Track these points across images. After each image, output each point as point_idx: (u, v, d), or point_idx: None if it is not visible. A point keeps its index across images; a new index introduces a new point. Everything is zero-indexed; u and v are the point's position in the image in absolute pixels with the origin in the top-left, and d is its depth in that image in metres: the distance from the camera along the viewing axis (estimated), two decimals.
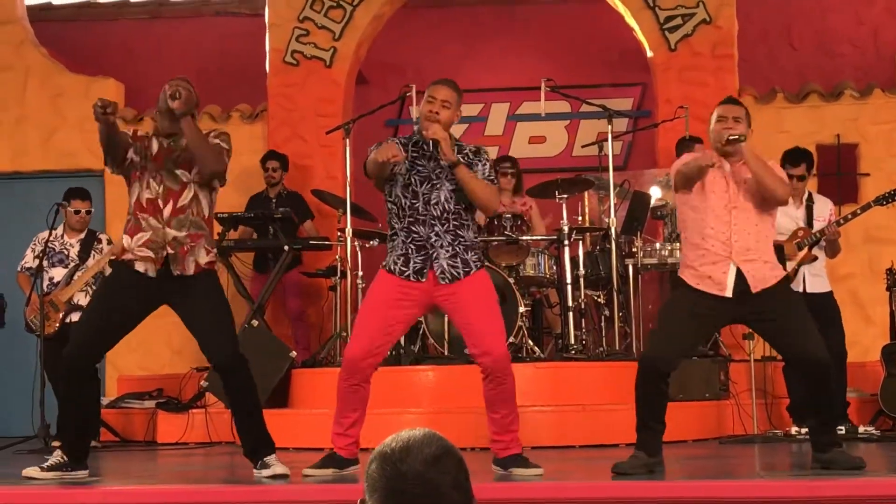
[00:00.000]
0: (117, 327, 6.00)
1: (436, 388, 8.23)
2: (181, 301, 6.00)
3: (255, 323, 9.00)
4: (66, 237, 9.02)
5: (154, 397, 9.75)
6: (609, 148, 8.94)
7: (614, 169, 8.93)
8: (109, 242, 9.07)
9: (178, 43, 12.09)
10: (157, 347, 10.66)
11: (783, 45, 11.86)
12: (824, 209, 8.61)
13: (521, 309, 8.51)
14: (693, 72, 10.36)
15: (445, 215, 5.87)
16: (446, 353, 8.55)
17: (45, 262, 8.78)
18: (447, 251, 5.84)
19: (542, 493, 5.32)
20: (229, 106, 11.16)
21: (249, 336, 8.61)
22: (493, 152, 10.64)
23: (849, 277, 10.20)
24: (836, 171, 10.43)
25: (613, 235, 8.79)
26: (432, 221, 5.86)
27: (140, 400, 9.71)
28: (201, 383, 8.97)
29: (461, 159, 5.88)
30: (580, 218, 9.61)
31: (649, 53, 10.68)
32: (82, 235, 9.04)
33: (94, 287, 8.87)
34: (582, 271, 8.91)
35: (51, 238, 8.82)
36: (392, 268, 5.89)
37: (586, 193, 9.67)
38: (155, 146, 6.05)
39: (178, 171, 5.99)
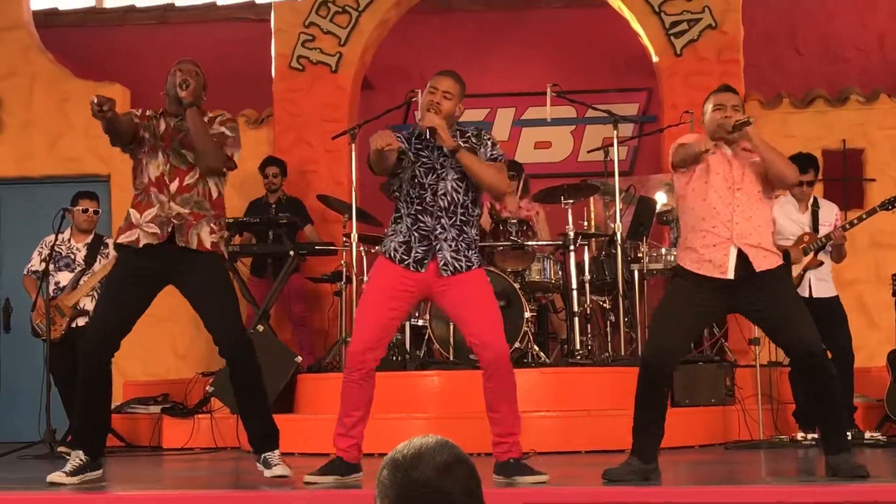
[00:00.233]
0: (129, 313, 6.00)
1: (441, 393, 8.22)
2: (186, 280, 6.01)
3: (259, 328, 9.00)
4: (72, 241, 9.02)
5: (159, 402, 9.75)
6: (615, 153, 8.94)
7: (620, 174, 8.93)
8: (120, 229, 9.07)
9: (183, 48, 12.03)
10: (163, 353, 10.67)
11: (789, 50, 11.87)
12: (830, 214, 8.61)
13: (527, 314, 8.50)
14: (699, 77, 10.36)
15: (453, 207, 5.80)
16: (451, 358, 8.55)
17: (51, 267, 8.79)
18: (451, 245, 5.79)
19: (548, 499, 5.31)
20: (235, 111, 11.15)
21: (255, 341, 8.59)
22: None
23: (855, 283, 10.20)
24: (842, 176, 10.43)
25: (619, 241, 8.78)
26: (439, 213, 5.80)
27: (145, 405, 9.71)
28: (207, 388, 8.97)
29: (462, 144, 5.82)
30: (586, 223, 9.62)
31: (655, 58, 10.69)
32: (89, 239, 9.04)
33: (99, 292, 8.87)
34: (587, 277, 8.90)
35: (57, 242, 8.83)
36: (392, 255, 5.82)
37: (592, 199, 9.67)
38: (163, 125, 6.11)
39: (185, 152, 6.04)
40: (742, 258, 5.70)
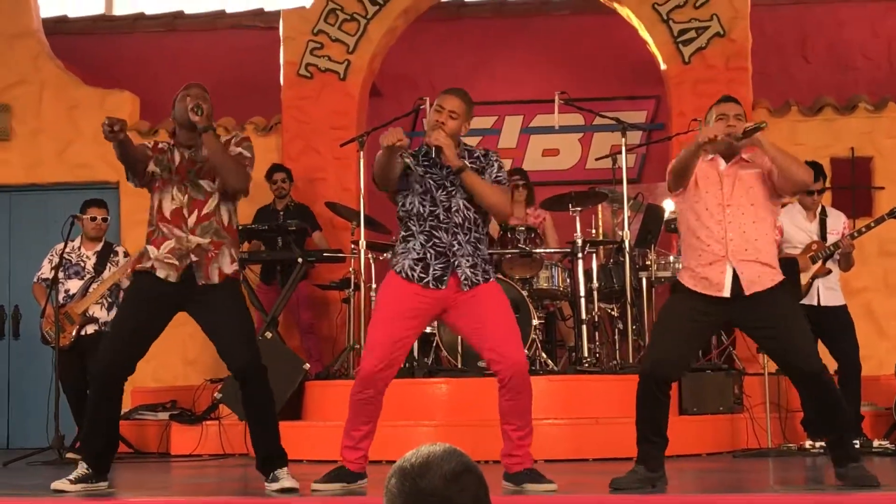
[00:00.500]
0: (144, 338, 6.00)
1: (449, 400, 8.22)
2: (201, 308, 5.99)
3: (268, 335, 9.00)
4: (82, 249, 9.04)
5: (168, 409, 9.76)
6: (623, 161, 8.93)
7: (628, 182, 8.93)
8: (126, 255, 9.08)
9: (192, 56, 12.14)
10: (171, 359, 10.68)
11: (797, 58, 11.86)
12: (837, 223, 8.61)
13: (535, 322, 8.50)
14: (707, 84, 10.35)
15: (467, 224, 5.79)
16: (459, 365, 8.55)
17: (60, 274, 8.80)
18: (468, 260, 5.77)
19: None
20: (243, 118, 11.19)
21: (263, 348, 8.52)
22: (506, 165, 10.63)
23: (863, 291, 10.19)
24: (850, 184, 10.42)
25: (627, 248, 8.78)
26: (455, 229, 5.77)
27: (154, 412, 9.72)
28: (215, 395, 8.98)
29: (468, 164, 5.80)
30: (594, 231, 9.62)
31: (663, 66, 10.69)
32: (99, 247, 9.05)
33: (109, 299, 8.89)
34: (595, 284, 8.91)
35: (67, 250, 8.84)
36: (409, 273, 5.76)
37: (600, 206, 9.68)
38: (177, 158, 6.05)
39: (202, 182, 6.00)
40: (738, 277, 5.68)
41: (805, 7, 11.96)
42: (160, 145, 6.14)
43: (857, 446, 7.90)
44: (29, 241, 10.96)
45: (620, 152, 9.00)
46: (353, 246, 9.30)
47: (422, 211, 5.80)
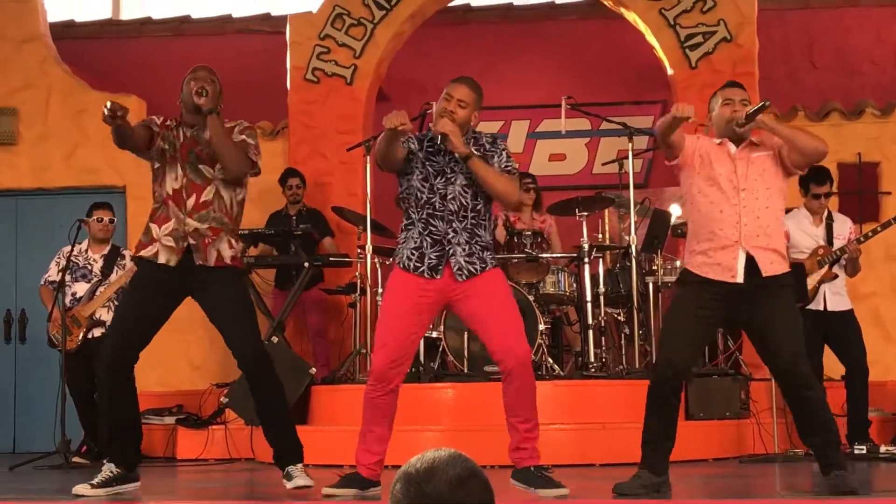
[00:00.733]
0: (148, 324, 5.99)
1: (455, 405, 8.22)
2: (204, 293, 5.98)
3: (274, 339, 9.01)
4: (89, 252, 9.05)
5: (174, 413, 9.77)
6: (629, 165, 8.93)
7: (635, 186, 8.92)
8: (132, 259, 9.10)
9: (199, 60, 11.96)
10: (177, 363, 10.69)
11: (804, 63, 11.86)
12: (844, 227, 8.60)
13: (541, 327, 8.50)
14: (714, 90, 10.22)
15: (463, 212, 5.73)
16: (466, 370, 8.54)
17: (67, 277, 8.81)
18: (464, 249, 5.71)
19: None
20: (250, 123, 11.16)
21: (269, 353, 8.60)
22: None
23: (870, 296, 10.18)
24: (857, 189, 10.41)
25: (634, 253, 8.77)
26: (450, 217, 5.73)
27: (160, 416, 9.73)
28: (221, 399, 8.98)
29: (475, 151, 5.75)
30: (600, 235, 9.61)
31: (670, 71, 10.68)
32: (106, 250, 9.06)
33: (115, 303, 8.90)
34: (602, 289, 8.90)
35: (74, 253, 8.85)
36: (406, 264, 5.74)
37: (606, 211, 9.67)
38: (181, 136, 6.06)
39: (202, 167, 5.99)
40: (751, 261, 5.63)
41: (812, 12, 11.95)
42: (168, 122, 6.14)
43: (864, 451, 7.95)
44: (35, 246, 10.97)
45: (627, 157, 9.00)
46: (359, 250, 9.31)
47: (420, 197, 5.77)
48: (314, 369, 9.03)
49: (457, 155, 5.72)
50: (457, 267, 5.70)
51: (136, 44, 12.56)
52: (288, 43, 11.08)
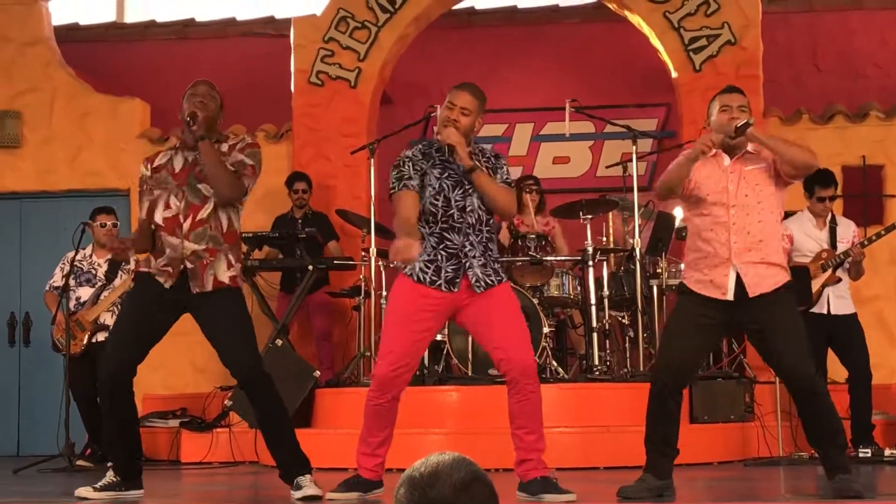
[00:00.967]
0: (146, 337, 5.96)
1: (459, 408, 8.21)
2: (201, 314, 5.94)
3: (278, 342, 9.01)
4: (94, 257, 9.05)
5: (178, 416, 9.76)
6: (633, 168, 8.93)
7: (639, 189, 8.92)
8: (137, 263, 9.08)
9: (204, 63, 12.14)
10: (181, 366, 10.69)
11: (808, 66, 11.85)
12: (847, 231, 8.59)
13: (545, 330, 8.50)
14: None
15: (479, 225, 5.70)
16: (470, 373, 8.54)
17: (72, 282, 8.82)
18: (480, 261, 5.68)
19: None
20: (254, 126, 11.20)
21: (273, 356, 8.62)
22: (516, 172, 10.64)
23: (874, 299, 10.17)
24: (861, 192, 10.40)
25: (638, 256, 8.77)
26: (467, 230, 5.68)
27: (164, 419, 9.73)
28: (225, 402, 8.98)
29: (481, 163, 5.73)
30: (604, 239, 9.60)
31: (674, 74, 10.68)
32: (110, 255, 9.06)
33: (120, 307, 8.90)
34: (606, 292, 8.89)
35: (78, 257, 8.86)
36: (421, 276, 5.66)
37: (610, 214, 9.66)
38: (178, 163, 5.98)
39: (201, 186, 5.92)
40: (741, 279, 5.63)
41: (816, 15, 11.94)
42: (158, 160, 6.07)
43: (869, 455, 7.93)
44: (39, 249, 10.98)
45: (631, 160, 8.99)
46: (363, 253, 9.31)
47: (434, 211, 5.70)
48: (318, 372, 9.02)
49: (460, 167, 5.69)
50: (475, 279, 5.67)
51: (141, 47, 12.57)
52: (292, 46, 11.09)
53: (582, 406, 8.20)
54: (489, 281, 5.68)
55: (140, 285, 6.05)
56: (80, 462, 8.53)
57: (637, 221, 8.84)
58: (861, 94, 11.42)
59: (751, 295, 5.60)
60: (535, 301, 8.58)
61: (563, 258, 9.26)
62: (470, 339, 8.50)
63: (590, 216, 9.02)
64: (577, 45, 12.19)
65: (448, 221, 5.70)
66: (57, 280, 9.01)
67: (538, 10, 12.49)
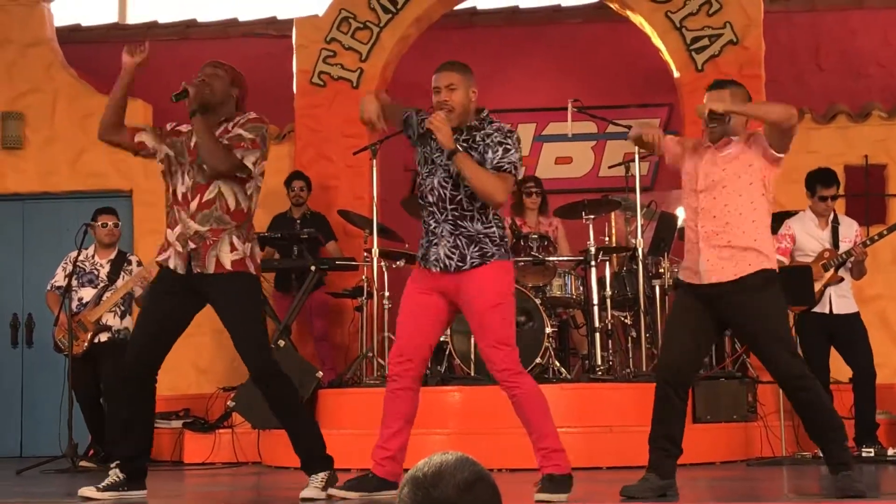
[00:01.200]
0: (169, 331, 5.96)
1: (462, 408, 8.21)
2: (215, 302, 5.93)
3: (281, 343, 9.01)
4: (96, 257, 9.05)
5: (181, 417, 9.77)
6: (636, 168, 8.93)
7: (641, 190, 8.92)
8: (139, 264, 9.09)
9: (197, 67, 12.13)
10: (184, 367, 10.69)
11: (811, 65, 11.84)
12: (850, 230, 8.59)
13: (548, 330, 8.50)
14: None
15: (442, 203, 5.61)
16: (472, 373, 8.54)
17: (74, 282, 8.82)
18: (448, 241, 5.59)
19: None
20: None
21: (276, 357, 8.61)
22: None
23: (877, 298, 10.16)
24: (864, 191, 10.39)
25: (640, 256, 8.77)
26: (432, 208, 5.65)
27: (167, 420, 9.72)
28: (228, 403, 8.98)
29: (477, 142, 5.61)
30: (607, 239, 9.60)
31: (676, 74, 10.68)
32: (112, 255, 9.06)
33: (122, 308, 8.91)
34: (609, 292, 8.89)
35: (81, 258, 8.86)
36: (419, 256, 5.74)
37: (613, 214, 9.67)
38: (193, 140, 6.00)
39: (205, 165, 5.93)
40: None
41: (818, 15, 11.93)
42: (180, 128, 6.12)
43: (872, 454, 7.93)
44: (42, 250, 10.98)
45: (633, 160, 9.00)
46: (365, 254, 9.31)
47: (420, 184, 5.77)
48: (321, 373, 9.03)
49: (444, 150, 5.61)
50: (434, 258, 5.62)
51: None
52: (294, 46, 11.10)
53: (585, 406, 8.20)
54: (448, 263, 5.57)
55: (158, 278, 6.06)
56: (83, 463, 8.53)
57: (639, 221, 8.84)
58: (863, 93, 11.41)
59: (704, 281, 5.63)
60: (538, 301, 8.58)
61: (565, 258, 9.26)
62: (472, 339, 8.50)
63: (592, 216, 9.02)
64: (579, 45, 12.19)
65: (423, 199, 5.72)
66: (59, 280, 9.00)
67: (540, 10, 12.49)
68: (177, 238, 5.92)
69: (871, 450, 8.04)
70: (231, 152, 5.87)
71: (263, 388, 5.93)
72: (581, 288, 9.02)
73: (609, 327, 8.90)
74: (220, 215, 5.90)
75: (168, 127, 6.17)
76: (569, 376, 8.78)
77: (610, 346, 8.94)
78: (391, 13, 10.92)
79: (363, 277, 9.42)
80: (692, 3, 10.55)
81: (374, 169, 9.21)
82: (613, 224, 9.70)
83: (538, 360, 8.38)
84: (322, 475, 5.85)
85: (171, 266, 5.92)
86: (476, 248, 5.58)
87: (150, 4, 13.08)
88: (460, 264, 5.57)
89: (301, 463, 5.97)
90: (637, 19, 10.84)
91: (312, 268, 9.45)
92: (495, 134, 5.63)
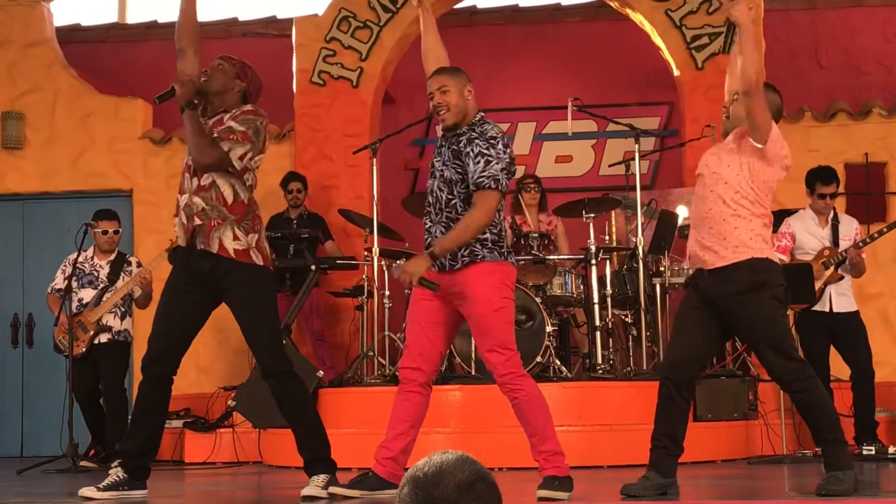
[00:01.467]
0: (186, 326, 5.95)
1: (463, 407, 8.20)
2: (228, 295, 5.88)
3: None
4: (95, 259, 9.04)
5: (181, 417, 9.77)
6: (636, 167, 8.92)
7: (641, 188, 8.92)
8: (139, 265, 9.08)
9: (205, 63, 12.05)
10: (185, 367, 10.52)
11: (811, 64, 11.84)
12: (850, 228, 8.59)
13: (549, 328, 8.49)
14: (720, 90, 10.16)
15: (438, 205, 5.65)
16: (473, 372, 8.53)
17: (74, 283, 8.81)
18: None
19: None
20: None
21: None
22: (519, 171, 10.63)
23: (878, 297, 10.16)
24: (864, 190, 10.39)
25: (640, 255, 8.77)
26: (429, 209, 5.70)
27: (167, 419, 9.71)
28: (229, 403, 8.98)
29: (466, 137, 5.61)
30: (607, 237, 9.60)
31: (676, 72, 10.67)
32: (112, 257, 9.06)
33: (122, 308, 8.91)
34: (609, 291, 8.89)
35: (80, 259, 8.86)
36: None
37: (613, 213, 9.66)
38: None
39: (192, 159, 5.91)
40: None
41: (818, 13, 11.94)
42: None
43: (872, 452, 7.92)
44: (42, 250, 10.99)
45: (633, 158, 8.99)
46: (366, 253, 9.31)
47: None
48: (321, 372, 9.02)
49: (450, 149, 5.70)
50: None
51: (143, 47, 12.57)
52: (294, 46, 11.10)
53: (585, 405, 8.20)
54: (441, 262, 5.58)
55: (175, 265, 6.04)
56: (83, 462, 8.54)
57: (640, 220, 8.84)
58: (863, 91, 11.41)
59: (687, 266, 5.71)
60: (539, 300, 8.57)
61: (565, 257, 9.26)
62: (472, 339, 8.49)
63: (592, 215, 9.02)
64: (579, 43, 12.19)
65: (426, 200, 5.77)
66: (58, 282, 9.01)
67: (540, 9, 12.49)
68: (183, 207, 5.91)
69: (872, 448, 8.04)
70: (217, 146, 5.83)
71: (273, 386, 5.92)
72: (581, 286, 9.02)
73: (610, 326, 8.89)
74: (215, 204, 5.85)
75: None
76: (569, 375, 8.78)
77: (610, 344, 8.93)
78: (391, 12, 10.92)
79: (363, 277, 9.42)
80: (692, 1, 10.55)
81: (375, 168, 9.20)
82: (614, 222, 9.70)
83: (539, 358, 8.38)
84: (323, 477, 5.85)
85: (177, 233, 5.91)
86: (467, 250, 5.59)
87: (150, 4, 13.08)
88: (452, 263, 5.59)
89: (304, 464, 5.96)
90: (637, 18, 10.84)
91: (313, 267, 9.45)
92: (478, 140, 5.60)
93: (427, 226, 5.72)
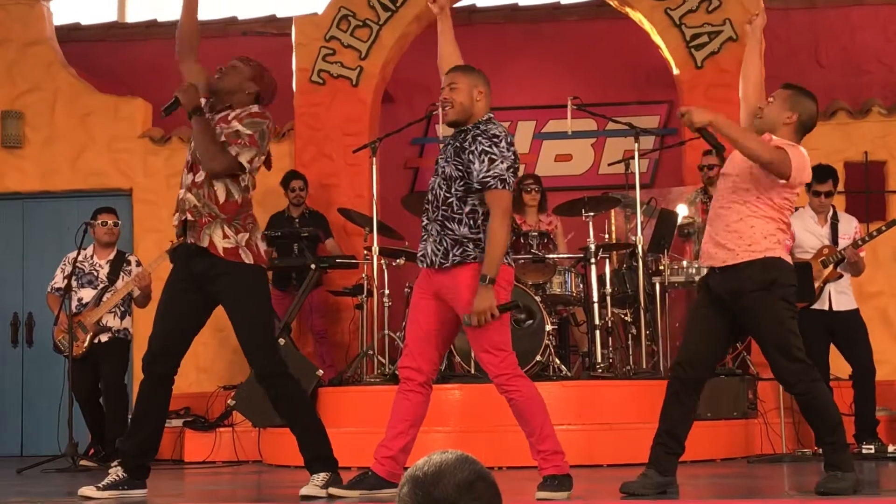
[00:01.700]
0: (186, 326, 5.95)
1: (462, 406, 8.20)
2: (222, 296, 5.88)
3: (281, 341, 8.99)
4: (95, 258, 9.03)
5: (181, 416, 9.77)
6: (636, 166, 8.93)
7: (641, 187, 8.92)
8: (138, 264, 9.08)
9: (205, 62, 11.98)
10: (184, 366, 10.52)
11: (811, 62, 11.83)
12: (849, 227, 8.59)
13: (548, 327, 8.49)
14: (720, 89, 10.33)
15: (436, 202, 5.65)
16: (473, 371, 8.53)
17: (74, 283, 8.80)
18: (435, 239, 5.62)
19: None
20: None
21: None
22: (519, 170, 10.62)
23: (878, 295, 10.16)
24: (864, 188, 10.39)
25: (640, 253, 8.77)
26: (427, 206, 5.71)
27: (167, 418, 9.71)
28: (228, 402, 8.98)
29: (466, 139, 5.62)
30: (607, 236, 9.60)
31: (676, 71, 10.67)
32: (112, 255, 9.05)
33: (122, 308, 8.90)
34: (609, 289, 8.89)
35: (80, 258, 8.85)
36: (418, 254, 5.80)
37: (613, 211, 9.66)
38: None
39: (201, 166, 5.90)
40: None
41: (818, 11, 11.93)
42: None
43: (872, 451, 7.93)
44: (42, 249, 10.99)
45: (633, 157, 8.99)
46: (365, 252, 9.31)
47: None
48: (321, 371, 9.02)
49: (448, 145, 5.75)
50: (421, 253, 5.69)
51: (142, 46, 12.57)
52: (293, 45, 11.09)
53: (585, 403, 8.20)
54: (434, 259, 5.60)
55: (173, 265, 6.02)
56: (83, 462, 8.54)
57: (639, 219, 8.84)
58: (863, 89, 11.41)
59: (701, 262, 5.83)
60: (538, 299, 8.57)
61: (565, 256, 9.26)
62: None
63: (592, 213, 9.02)
64: (579, 42, 12.19)
65: (426, 199, 5.78)
66: (58, 281, 9.00)
67: (539, 7, 12.49)
68: (179, 202, 5.93)
69: (872, 447, 8.04)
70: (226, 152, 5.82)
71: (267, 388, 5.92)
72: (581, 285, 9.02)
73: (609, 324, 8.89)
74: (207, 203, 5.84)
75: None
76: (569, 374, 8.78)
77: (610, 343, 8.93)
78: (391, 11, 10.92)
79: (363, 275, 9.42)
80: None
81: (374, 167, 9.21)
82: (613, 221, 9.70)
83: (538, 357, 8.38)
84: (323, 475, 5.84)
85: (174, 223, 5.91)
86: (459, 249, 5.59)
87: (150, 3, 13.08)
88: (443, 261, 5.59)
89: (305, 462, 5.96)
90: (636, 16, 10.84)
91: (313, 266, 9.45)
92: (481, 139, 5.61)
93: (424, 223, 5.73)
